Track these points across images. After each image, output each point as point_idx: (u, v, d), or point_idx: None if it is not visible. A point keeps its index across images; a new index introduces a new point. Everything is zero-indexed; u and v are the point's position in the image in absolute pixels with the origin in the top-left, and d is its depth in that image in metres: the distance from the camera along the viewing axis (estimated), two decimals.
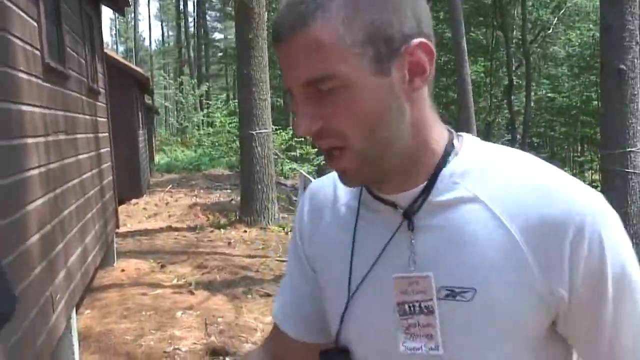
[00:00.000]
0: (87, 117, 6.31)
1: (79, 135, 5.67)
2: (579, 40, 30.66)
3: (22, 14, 3.87)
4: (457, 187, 0.93)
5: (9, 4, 3.55)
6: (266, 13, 10.66)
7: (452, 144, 0.96)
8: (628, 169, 6.35)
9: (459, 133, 1.00)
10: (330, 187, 1.11)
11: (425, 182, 0.94)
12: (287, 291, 1.19)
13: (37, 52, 4.18)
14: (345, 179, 0.95)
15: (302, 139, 21.08)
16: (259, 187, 10.44)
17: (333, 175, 1.10)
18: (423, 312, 0.94)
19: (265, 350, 1.23)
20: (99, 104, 7.31)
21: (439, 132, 0.96)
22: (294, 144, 21.24)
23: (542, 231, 0.86)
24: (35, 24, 4.23)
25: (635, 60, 6.31)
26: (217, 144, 24.35)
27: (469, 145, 0.97)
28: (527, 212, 0.87)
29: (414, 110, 0.91)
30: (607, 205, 0.89)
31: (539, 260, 0.86)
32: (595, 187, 1.00)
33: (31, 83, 3.93)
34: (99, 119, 7.12)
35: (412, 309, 0.95)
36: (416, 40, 0.88)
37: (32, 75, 3.94)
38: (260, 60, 10.21)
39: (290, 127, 22.74)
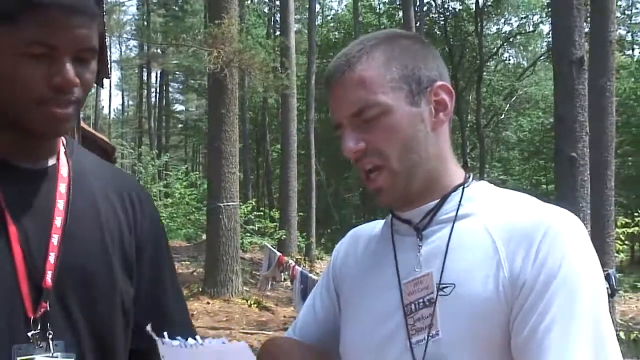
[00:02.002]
0: None
1: None
2: (530, 127, 31.96)
3: None
4: (461, 207, 1.13)
5: None
6: (238, 90, 11.04)
7: (467, 179, 1.17)
8: None
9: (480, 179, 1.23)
10: (369, 227, 1.32)
11: (437, 201, 1.15)
12: (303, 313, 1.35)
13: None
14: (380, 196, 1.15)
15: (261, 213, 21.23)
16: (224, 259, 10.56)
17: (373, 222, 1.32)
18: (425, 306, 1.10)
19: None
20: None
21: (454, 166, 1.18)
22: (252, 217, 21.33)
23: (517, 235, 1.06)
24: None
25: (585, 149, 6.79)
26: (174, 215, 24.21)
27: (481, 183, 1.19)
28: (508, 224, 1.08)
29: (438, 141, 1.15)
30: (576, 222, 1.07)
31: (511, 258, 1.05)
32: None
33: None
34: None
35: (417, 305, 1.11)
36: (439, 82, 1.14)
37: None
38: (231, 134, 10.52)
39: (250, 201, 22.92)
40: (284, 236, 18.13)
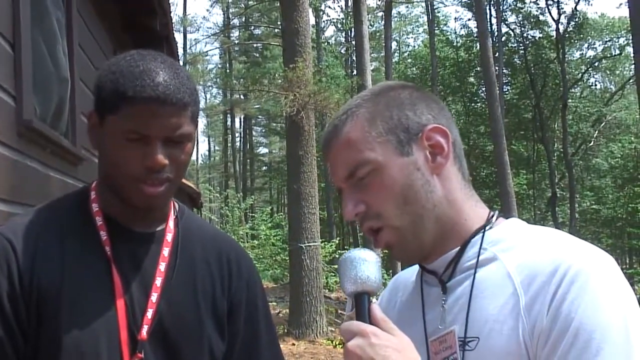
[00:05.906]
0: None
1: None
2: (622, 153, 30.76)
3: None
4: (483, 252, 1.07)
5: None
6: (315, 131, 11.16)
7: (490, 220, 1.11)
8: None
9: (509, 216, 1.16)
10: (409, 273, 1.27)
11: (458, 248, 1.10)
12: None
13: None
14: (393, 251, 1.12)
15: (345, 251, 21.15)
16: (308, 299, 10.53)
17: (413, 268, 1.26)
18: None
19: None
20: None
21: (472, 207, 1.12)
22: (337, 256, 21.31)
23: (536, 278, 0.98)
24: None
25: None
26: (261, 256, 24.49)
27: (510, 221, 1.13)
28: (530, 264, 1.01)
29: (444, 184, 1.10)
30: (602, 261, 0.99)
31: (530, 305, 0.98)
32: None
33: None
34: None
35: None
36: (430, 125, 1.10)
37: None
38: (309, 175, 10.60)
39: (334, 240, 22.96)
40: None
